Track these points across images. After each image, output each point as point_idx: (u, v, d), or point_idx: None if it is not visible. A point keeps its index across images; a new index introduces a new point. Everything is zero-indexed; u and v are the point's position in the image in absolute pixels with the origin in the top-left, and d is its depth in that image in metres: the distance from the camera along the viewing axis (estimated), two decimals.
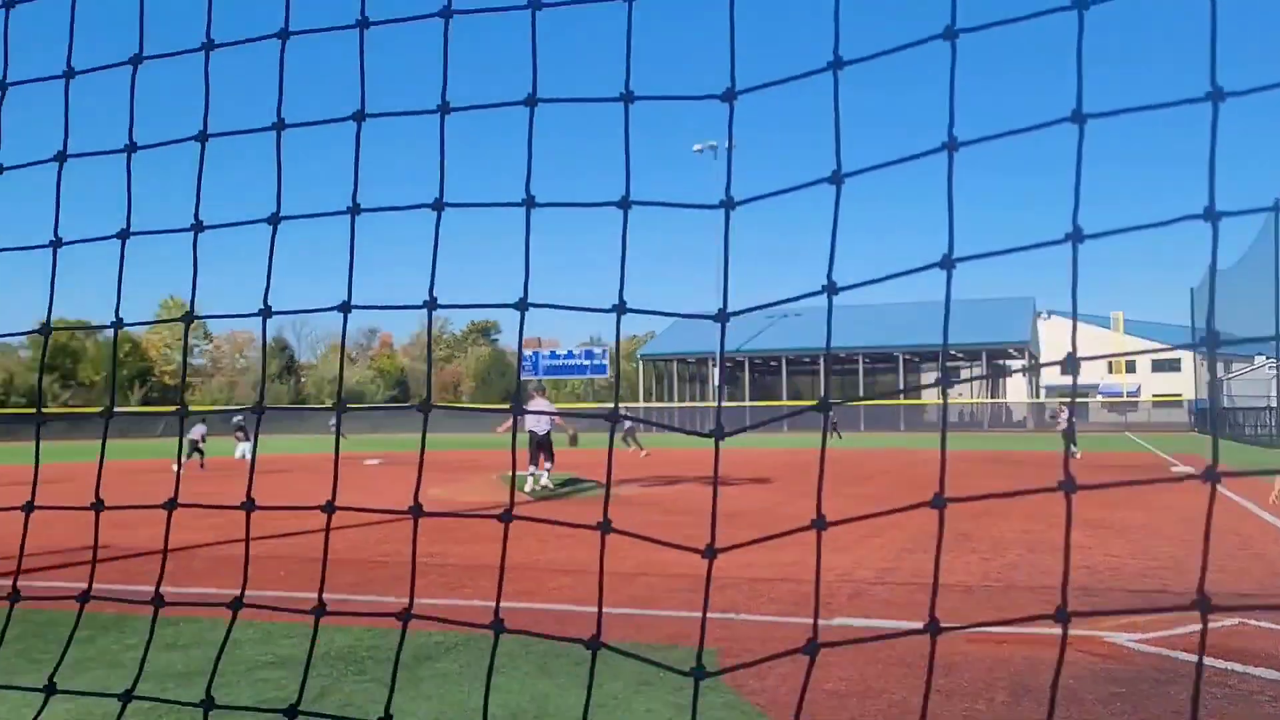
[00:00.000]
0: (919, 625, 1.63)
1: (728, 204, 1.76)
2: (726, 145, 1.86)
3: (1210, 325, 1.48)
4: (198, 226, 2.07)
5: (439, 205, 1.92)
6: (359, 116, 1.96)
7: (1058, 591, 5.25)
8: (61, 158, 2.19)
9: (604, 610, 6.25)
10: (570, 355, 69.68)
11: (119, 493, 13.50)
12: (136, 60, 2.11)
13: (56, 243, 2.18)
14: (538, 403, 18.21)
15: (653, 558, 8.92)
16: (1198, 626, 5.92)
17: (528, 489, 16.73)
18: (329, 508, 1.95)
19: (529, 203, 1.86)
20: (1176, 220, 1.39)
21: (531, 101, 1.85)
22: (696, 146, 56.94)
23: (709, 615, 6.25)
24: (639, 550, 9.35)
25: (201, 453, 25.28)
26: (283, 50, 2.03)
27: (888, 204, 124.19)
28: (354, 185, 1.96)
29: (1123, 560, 8.60)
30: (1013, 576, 7.84)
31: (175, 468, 2.26)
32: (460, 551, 9.34)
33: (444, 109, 1.88)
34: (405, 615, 1.93)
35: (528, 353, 70.80)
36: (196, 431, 25.56)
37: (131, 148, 2.11)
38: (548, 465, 16.72)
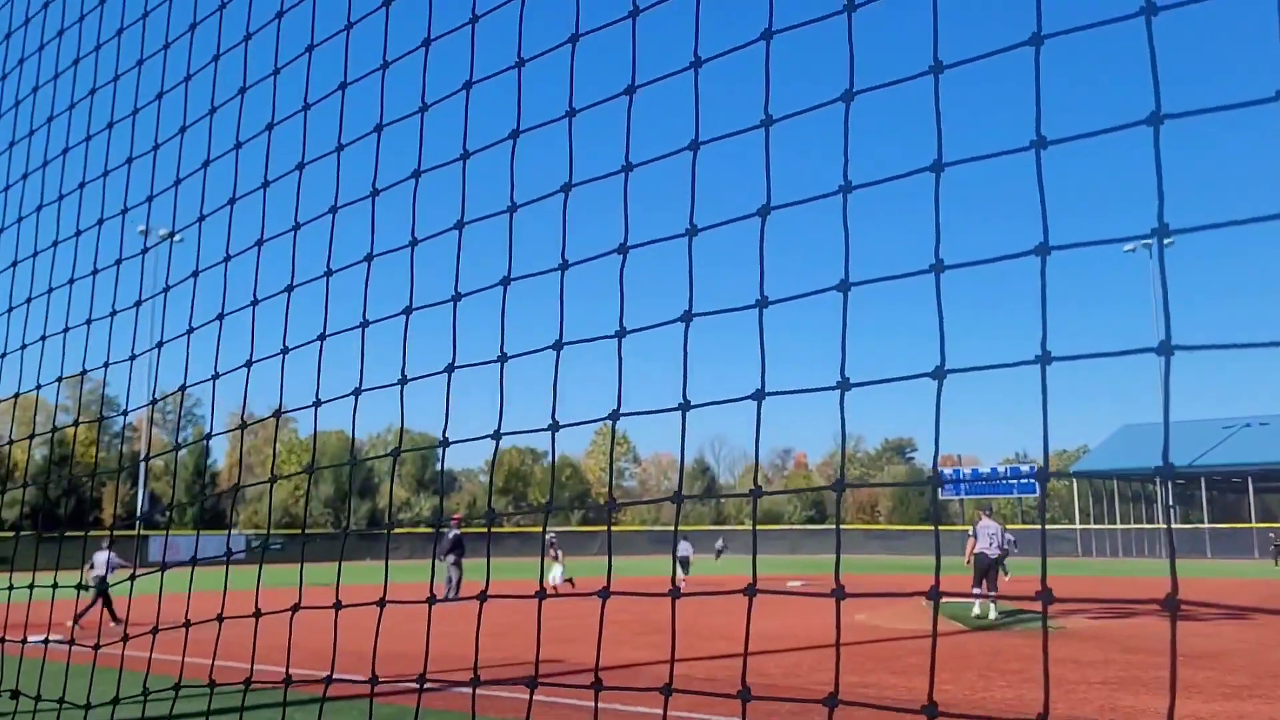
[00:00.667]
0: None
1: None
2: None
3: None
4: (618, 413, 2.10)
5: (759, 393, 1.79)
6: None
7: None
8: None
9: None
10: (994, 473, 66.03)
11: (576, 608, 14.36)
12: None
13: (555, 425, 2.31)
14: (985, 524, 17.19)
15: (1118, 702, 7.89)
16: None
17: (975, 612, 15.74)
18: None
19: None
20: None
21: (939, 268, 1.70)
22: (1128, 247, 52.78)
23: None
24: (1099, 692, 8.33)
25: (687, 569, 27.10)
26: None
27: None
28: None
29: None
30: None
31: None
32: (896, 683, 8.88)
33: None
34: None
35: (947, 470, 68.09)
36: (684, 549, 27.88)
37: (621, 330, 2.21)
38: (991, 591, 15.67)
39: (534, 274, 2.89)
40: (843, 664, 10.10)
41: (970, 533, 17.09)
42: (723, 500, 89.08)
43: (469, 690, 2.89)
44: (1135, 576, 33.39)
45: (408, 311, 3.35)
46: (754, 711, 7.30)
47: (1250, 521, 59.66)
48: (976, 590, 16.05)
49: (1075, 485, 68.47)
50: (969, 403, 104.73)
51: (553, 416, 2.71)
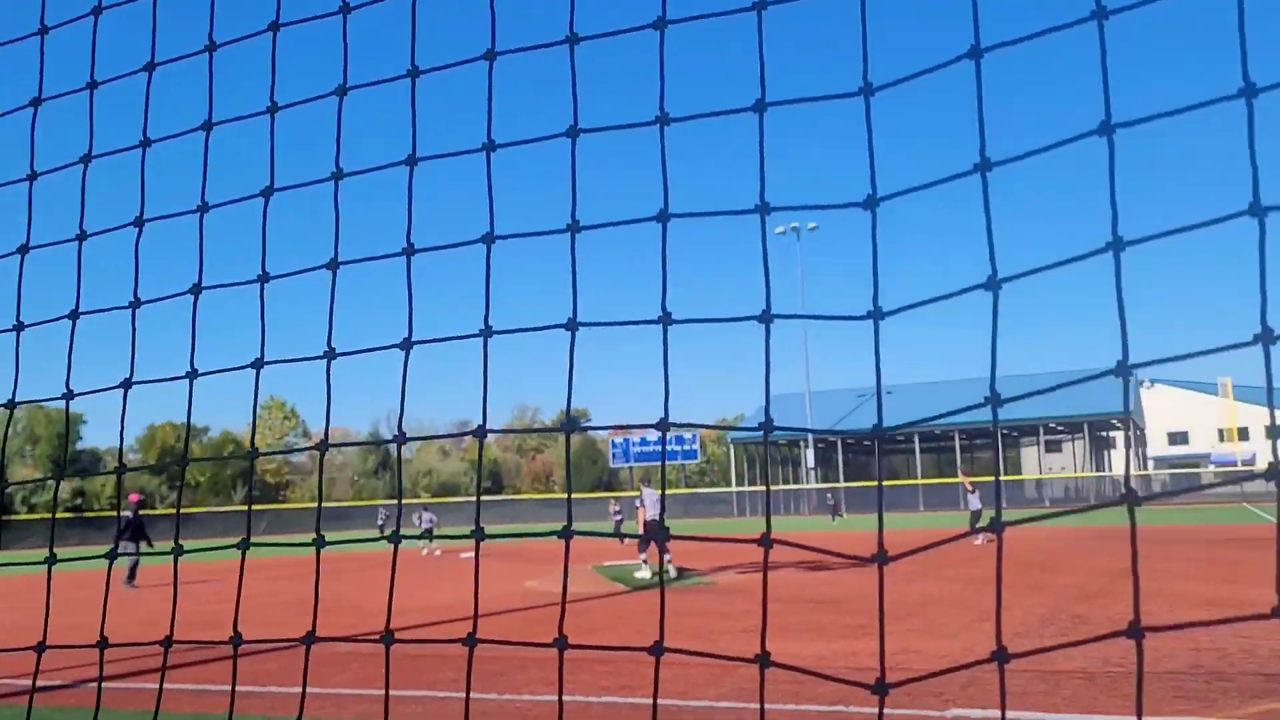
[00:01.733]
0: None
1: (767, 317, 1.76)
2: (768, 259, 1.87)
3: None
4: (330, 353, 2.14)
5: (488, 332, 1.96)
6: (488, 238, 2.02)
7: (1184, 677, 5.01)
8: (197, 290, 2.29)
9: (707, 704, 6.10)
10: (657, 442, 69.59)
11: (220, 592, 13.72)
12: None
13: (193, 374, 2.27)
14: (649, 492, 18.27)
15: (755, 648, 8.72)
16: None
17: (647, 576, 16.64)
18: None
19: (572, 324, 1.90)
20: None
21: (575, 227, 1.91)
22: (779, 229, 57.36)
23: (816, 708, 6.05)
24: (740, 640, 9.17)
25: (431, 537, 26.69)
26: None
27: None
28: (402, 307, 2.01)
29: (1255, 641, 8.12)
30: (1133, 661, 7.44)
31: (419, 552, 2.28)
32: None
33: (489, 238, 1.93)
34: None
35: (617, 440, 70.99)
36: (427, 519, 27.74)
37: (264, 278, 2.21)
38: (668, 556, 16.77)
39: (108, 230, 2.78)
40: (510, 628, 10.42)
41: (638, 502, 18.25)
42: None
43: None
44: (784, 531, 36.60)
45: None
46: (418, 680, 7.38)
47: (879, 480, 67.07)
48: (647, 554, 17.17)
49: (732, 451, 73.76)
50: (640, 377, 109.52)
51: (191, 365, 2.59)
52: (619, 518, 30.76)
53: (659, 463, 70.25)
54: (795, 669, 1.79)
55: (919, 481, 63.22)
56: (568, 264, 2.04)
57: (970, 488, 25.43)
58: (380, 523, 47.76)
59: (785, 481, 72.79)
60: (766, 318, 1.74)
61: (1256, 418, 73.37)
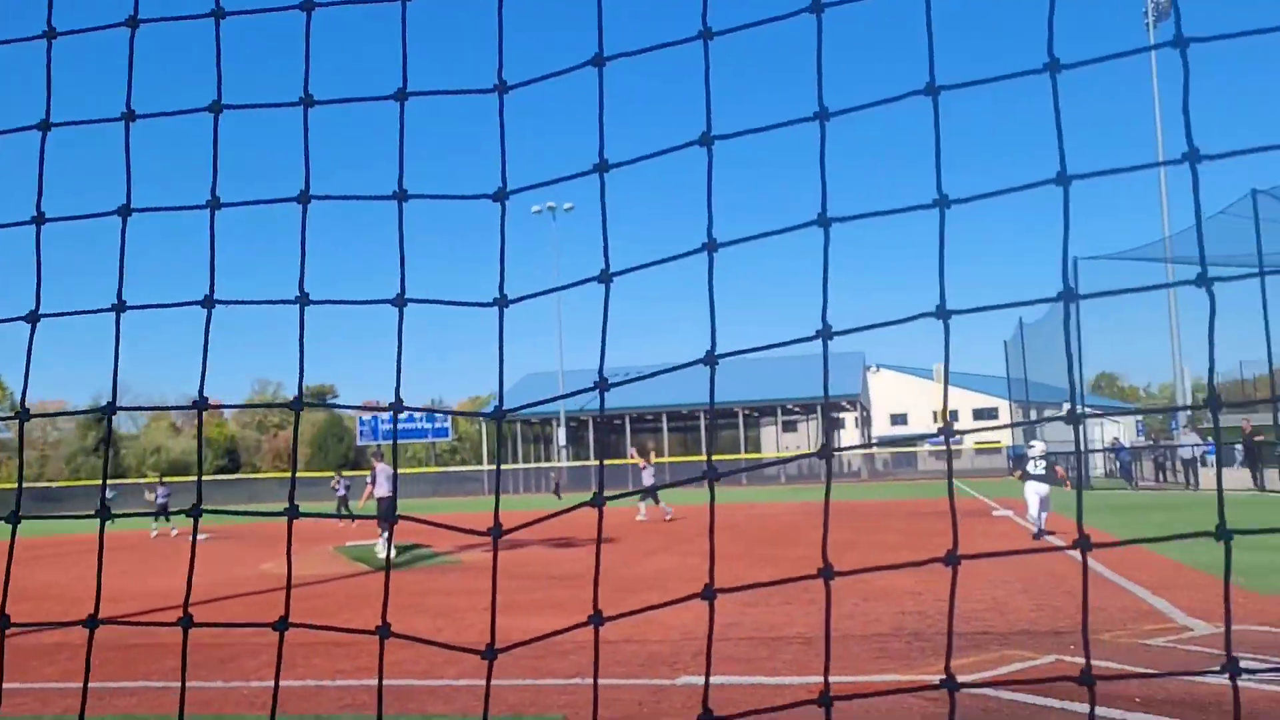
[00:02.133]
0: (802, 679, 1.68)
1: (606, 278, 1.81)
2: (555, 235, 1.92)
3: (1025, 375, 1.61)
4: (34, 314, 1.96)
5: (303, 299, 1.89)
6: (215, 204, 1.92)
7: (890, 639, 5.49)
8: None
9: (446, 683, 6.10)
10: (410, 419, 68.24)
11: None
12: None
13: None
14: (383, 468, 17.99)
15: (500, 623, 8.78)
16: (1018, 665, 6.23)
17: (381, 553, 16.30)
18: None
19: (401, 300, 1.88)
20: (995, 308, 1.53)
21: (305, 199, 1.88)
22: (535, 208, 57.50)
23: (554, 682, 6.18)
24: (483, 618, 9.19)
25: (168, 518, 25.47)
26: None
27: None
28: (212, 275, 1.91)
29: (947, 602, 8.99)
30: (848, 626, 8.07)
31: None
32: (292, 632, 8.94)
33: (305, 198, 1.86)
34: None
35: (365, 417, 69.00)
36: (161, 494, 26.14)
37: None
38: (388, 533, 16.56)
39: None
40: (244, 613, 9.95)
41: (369, 478, 17.97)
42: (122, 452, 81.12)
43: None
44: (536, 509, 36.91)
45: None
46: (135, 671, 6.94)
47: (625, 458, 68.93)
48: (384, 531, 16.85)
49: (484, 428, 73.42)
50: (385, 349, 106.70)
51: None
52: (343, 494, 29.56)
53: (410, 440, 68.75)
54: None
55: (666, 460, 65.40)
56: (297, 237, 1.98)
57: (644, 465, 26.68)
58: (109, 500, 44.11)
59: (537, 460, 73.30)
60: (502, 302, 1.77)
61: (965, 401, 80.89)
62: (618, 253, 1.81)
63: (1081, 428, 1.79)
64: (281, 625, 2.15)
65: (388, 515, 15.51)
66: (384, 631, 2.06)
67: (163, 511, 26.01)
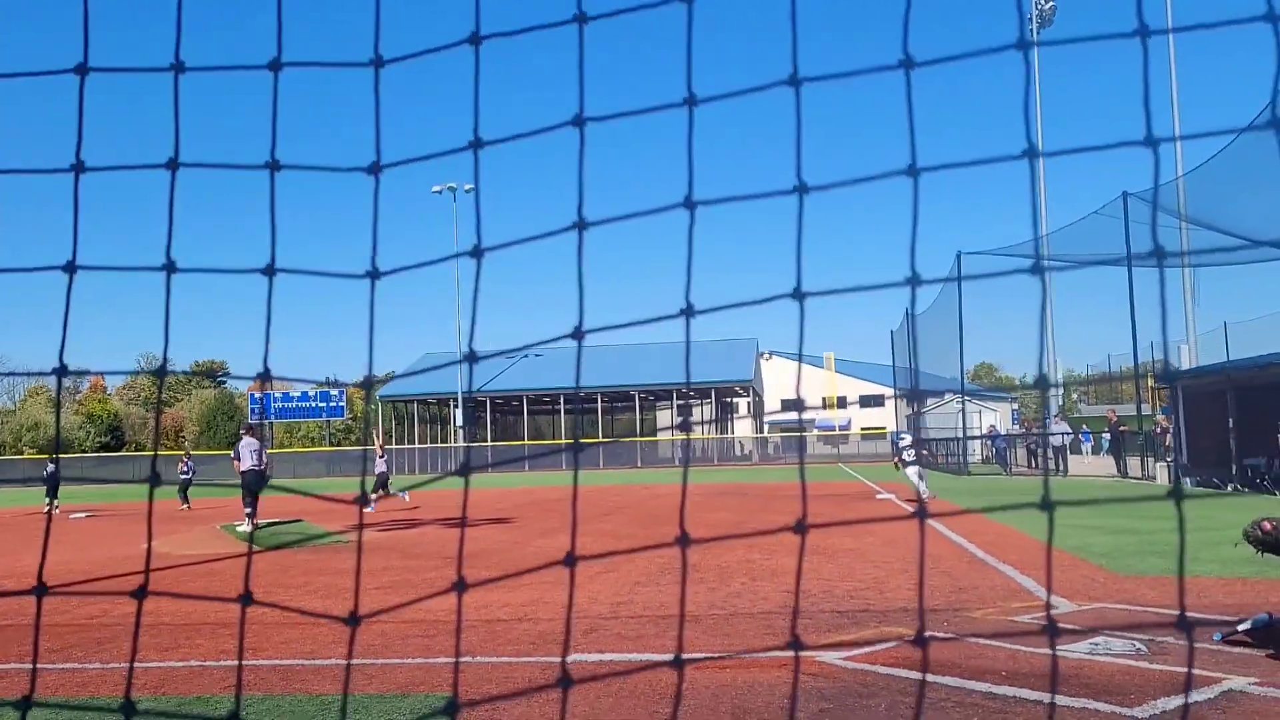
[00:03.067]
0: (666, 658, 1.76)
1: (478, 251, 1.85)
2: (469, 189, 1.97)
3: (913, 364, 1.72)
4: None
5: (70, 267, 1.89)
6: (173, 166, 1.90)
7: (776, 616, 5.69)
8: None
9: (332, 663, 6.06)
10: (305, 397, 66.71)
11: None
12: None
13: None
14: (248, 441, 17.68)
15: (388, 603, 8.73)
16: (894, 643, 6.50)
17: (245, 529, 15.99)
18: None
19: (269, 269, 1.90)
20: (882, 286, 1.64)
21: (274, 166, 1.89)
22: (435, 188, 56.68)
23: (441, 660, 6.20)
24: (373, 597, 9.13)
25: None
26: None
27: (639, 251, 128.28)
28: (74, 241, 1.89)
29: (833, 583, 9.30)
30: (736, 604, 8.29)
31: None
32: (175, 609, 8.75)
33: (172, 164, 1.86)
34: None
35: (256, 394, 67.17)
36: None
37: None
38: (251, 509, 16.44)
39: None
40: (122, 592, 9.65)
41: (234, 455, 17.66)
42: None
43: None
44: (432, 490, 36.51)
45: None
46: (6, 652, 6.70)
47: (524, 439, 68.75)
48: (246, 506, 16.65)
49: (379, 407, 72.27)
50: (290, 328, 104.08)
51: None
52: (188, 475, 27.59)
53: (302, 419, 67.24)
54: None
55: (561, 441, 65.36)
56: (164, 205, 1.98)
57: (380, 452, 26.39)
58: None
59: (433, 440, 72.49)
60: (374, 274, 1.80)
61: (852, 388, 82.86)
62: (514, 227, 1.87)
63: (962, 414, 1.92)
64: (246, 601, 2.15)
65: (251, 488, 15.36)
66: (245, 600, 2.06)
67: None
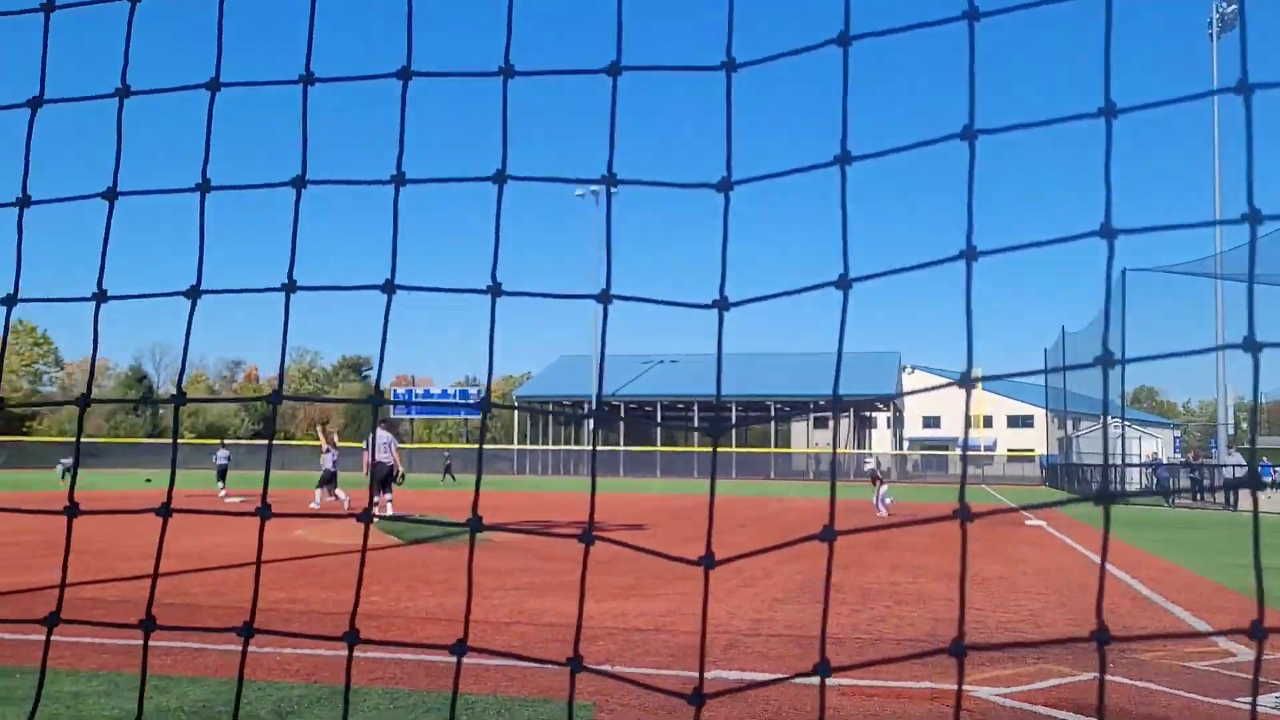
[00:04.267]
0: (807, 676, 1.61)
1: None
2: (607, 195, 1.86)
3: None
4: (100, 295, 1.92)
5: (291, 288, 1.84)
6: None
7: (922, 644, 5.38)
8: None
9: (476, 662, 6.06)
10: (444, 394, 68.63)
11: None
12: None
13: None
14: (381, 435, 18.19)
15: (526, 605, 8.76)
16: (1057, 681, 6.11)
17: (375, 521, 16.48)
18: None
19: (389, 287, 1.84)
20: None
21: (400, 181, 1.84)
22: (578, 192, 57.43)
23: (585, 667, 6.15)
24: (513, 597, 9.18)
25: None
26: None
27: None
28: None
29: (984, 613, 8.86)
30: (880, 629, 7.98)
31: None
32: (325, 597, 8.99)
33: (299, 182, 1.81)
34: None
35: (399, 390, 69.47)
36: (222, 456, 26.35)
37: (24, 202, 1.97)
38: (388, 499, 16.98)
39: None
40: (275, 580, 10.01)
41: (365, 445, 18.15)
42: (161, 411, 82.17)
43: None
44: (563, 492, 37.01)
45: None
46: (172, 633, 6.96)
47: (657, 445, 68.93)
48: (376, 498, 17.14)
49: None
50: (424, 325, 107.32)
51: None
52: (334, 467, 28.25)
53: (441, 416, 69.27)
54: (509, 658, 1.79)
55: (695, 449, 65.30)
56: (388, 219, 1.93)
57: (326, 448, 25.35)
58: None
59: (567, 441, 73.46)
60: (606, 297, 1.70)
61: (1000, 408, 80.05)
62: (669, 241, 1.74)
63: (1122, 441, 1.71)
64: (351, 638, 2.12)
65: (384, 482, 15.79)
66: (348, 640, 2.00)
67: (223, 474, 26.71)
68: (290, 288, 1.94)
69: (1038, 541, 17.13)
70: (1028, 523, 22.28)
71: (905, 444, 73.63)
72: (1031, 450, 69.77)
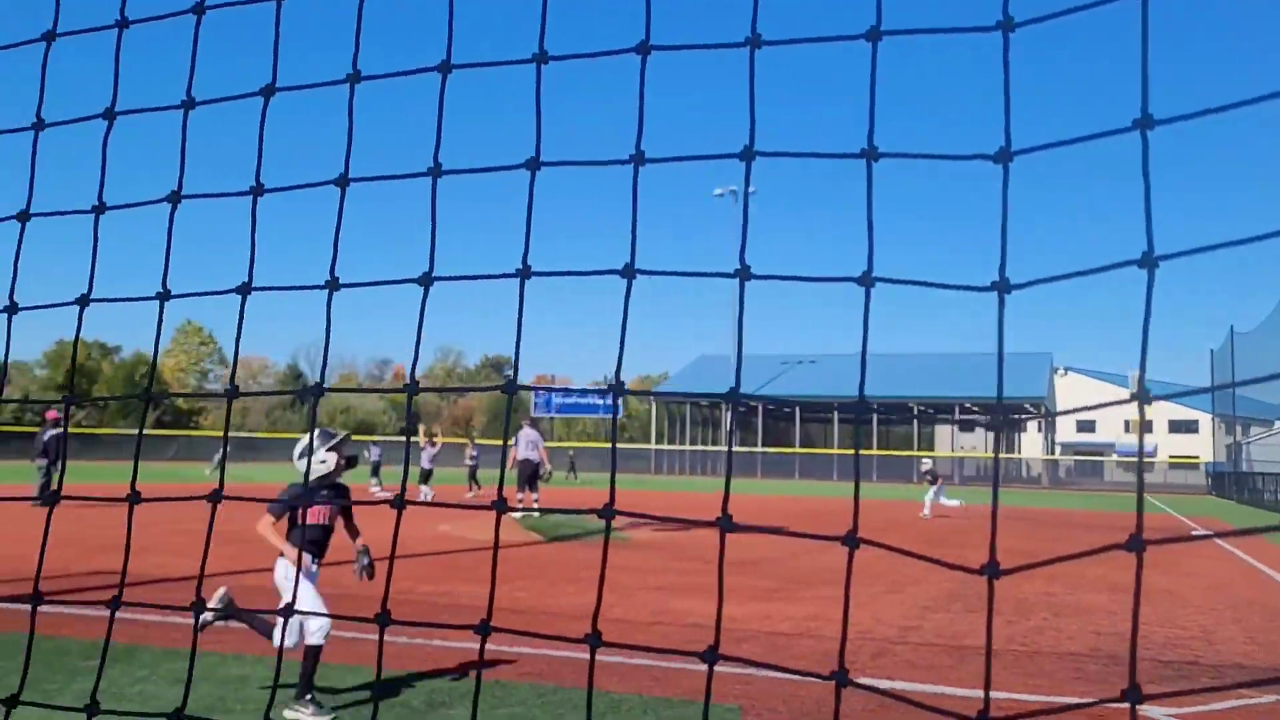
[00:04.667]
0: (964, 689, 1.49)
1: (742, 274, 1.66)
2: (743, 198, 1.77)
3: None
4: (246, 286, 1.96)
5: (426, 279, 1.82)
6: (341, 182, 1.86)
7: (1084, 659, 5.06)
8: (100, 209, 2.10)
9: (618, 661, 6.05)
10: (584, 393, 69.57)
11: (122, 516, 13.31)
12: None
13: (85, 300, 2.08)
14: (527, 432, 18.44)
15: (668, 605, 8.73)
16: (1237, 702, 5.70)
17: (517, 515, 16.75)
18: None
19: (523, 272, 1.81)
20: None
21: (534, 164, 1.80)
22: (717, 191, 57.25)
23: (728, 671, 6.05)
24: (654, 597, 9.17)
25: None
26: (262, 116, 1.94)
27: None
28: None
29: (1151, 628, 8.37)
30: (1039, 641, 7.62)
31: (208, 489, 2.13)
32: (470, 591, 9.17)
33: (435, 172, 1.79)
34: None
35: (540, 389, 70.72)
36: (374, 453, 27.80)
37: (176, 197, 2.03)
38: (535, 496, 17.26)
39: None
40: (422, 573, 10.28)
41: (512, 441, 18.37)
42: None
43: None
44: (699, 493, 36.98)
45: None
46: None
47: (795, 446, 68.15)
48: (521, 495, 17.46)
49: (654, 408, 74.06)
50: (562, 322, 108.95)
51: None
52: (474, 463, 29.35)
53: (579, 415, 70.20)
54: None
55: (834, 451, 64.28)
56: (521, 205, 1.90)
57: (425, 445, 26.01)
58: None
59: (704, 442, 73.37)
60: (744, 274, 1.63)
61: (1160, 412, 75.99)
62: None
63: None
64: (483, 629, 2.10)
65: (530, 480, 16.06)
66: (484, 629, 1.96)
67: (376, 470, 27.82)
68: (426, 279, 1.92)
69: (1207, 554, 16.12)
70: (1194, 533, 21.01)
71: (1057, 449, 70.64)
72: (1195, 457, 65.95)
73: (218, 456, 32.55)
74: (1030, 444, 74.47)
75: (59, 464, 19.89)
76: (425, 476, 25.08)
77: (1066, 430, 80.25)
